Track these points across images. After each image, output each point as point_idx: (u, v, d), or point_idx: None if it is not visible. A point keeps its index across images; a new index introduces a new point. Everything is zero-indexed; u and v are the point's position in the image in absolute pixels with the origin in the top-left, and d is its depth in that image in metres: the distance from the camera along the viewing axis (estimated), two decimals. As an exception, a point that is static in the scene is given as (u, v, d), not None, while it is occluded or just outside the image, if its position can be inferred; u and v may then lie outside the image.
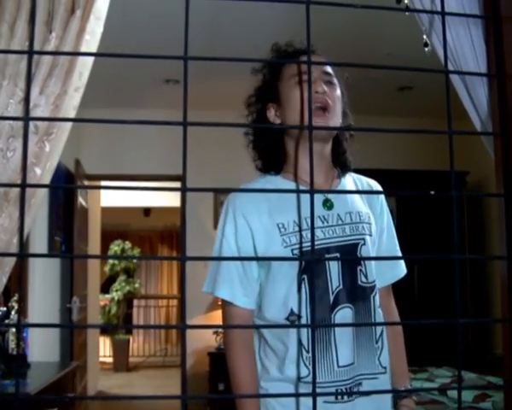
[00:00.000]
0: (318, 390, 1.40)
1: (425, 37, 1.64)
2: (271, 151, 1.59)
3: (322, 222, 1.48)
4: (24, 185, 1.13)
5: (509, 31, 1.34)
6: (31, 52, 1.15)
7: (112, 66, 4.99)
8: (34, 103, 1.33)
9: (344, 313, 1.46)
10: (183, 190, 0.89)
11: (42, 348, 3.96)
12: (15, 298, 2.94)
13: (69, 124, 1.39)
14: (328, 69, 1.55)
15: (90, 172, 5.63)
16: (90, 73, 4.58)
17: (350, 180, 1.63)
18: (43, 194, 1.36)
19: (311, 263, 1.42)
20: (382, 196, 1.65)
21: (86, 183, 5.69)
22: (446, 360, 4.26)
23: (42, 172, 1.32)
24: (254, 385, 1.49)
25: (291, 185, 1.54)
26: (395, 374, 1.59)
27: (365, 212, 1.55)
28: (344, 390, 1.43)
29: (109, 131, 5.78)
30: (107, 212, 8.03)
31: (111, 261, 9.02)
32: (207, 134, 6.00)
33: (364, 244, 1.50)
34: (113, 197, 8.22)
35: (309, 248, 1.44)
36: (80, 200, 5.14)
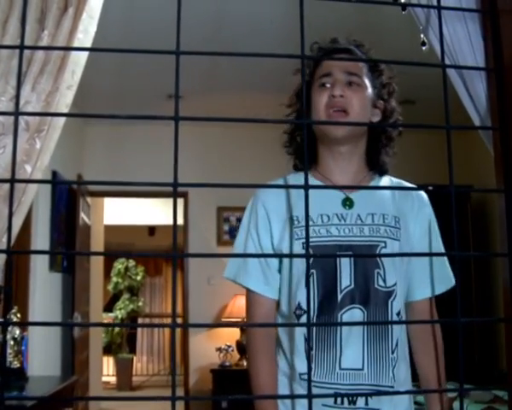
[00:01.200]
0: (316, 390, 1.38)
1: (422, 36, 1.63)
2: (302, 150, 1.60)
3: (339, 220, 1.45)
4: (13, 180, 1.11)
5: (506, 24, 1.32)
6: (22, 47, 1.14)
7: (115, 82, 5.01)
8: (26, 100, 1.31)
9: (352, 314, 1.41)
10: (174, 186, 0.87)
11: (42, 363, 3.92)
12: (14, 310, 2.92)
13: (61, 122, 1.37)
14: (355, 69, 1.50)
15: (94, 188, 5.62)
16: (93, 89, 4.59)
17: (385, 183, 1.58)
18: (33, 193, 1.33)
19: (319, 259, 1.42)
20: (424, 204, 1.55)
21: (89, 200, 5.68)
22: (451, 376, 4.19)
23: (32, 170, 1.30)
24: (273, 378, 1.47)
25: (316, 183, 1.53)
26: (428, 396, 1.50)
27: (392, 215, 1.48)
28: (344, 395, 1.37)
29: (112, 147, 5.79)
30: (111, 230, 8.01)
31: (114, 279, 8.98)
32: (210, 151, 6.01)
33: (385, 247, 1.44)
34: (117, 215, 8.20)
35: (319, 243, 1.43)
36: (82, 215, 5.13)
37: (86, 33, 1.44)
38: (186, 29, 3.89)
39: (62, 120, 1.38)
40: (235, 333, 5.54)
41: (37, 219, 4.13)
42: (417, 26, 1.64)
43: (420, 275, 1.51)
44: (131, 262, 9.46)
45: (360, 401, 1.38)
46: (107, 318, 8.74)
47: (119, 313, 8.84)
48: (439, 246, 1.53)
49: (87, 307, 5.33)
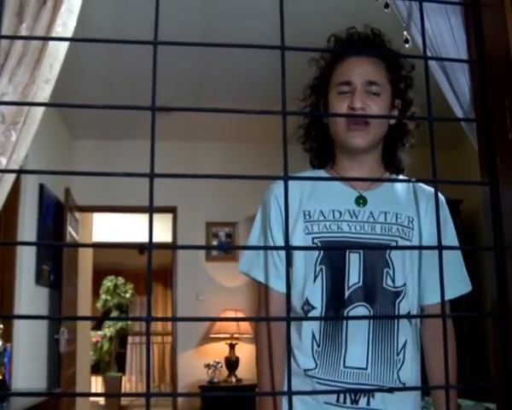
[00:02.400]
0: (319, 387, 1.37)
1: (405, 33, 1.62)
2: (318, 148, 1.60)
3: (351, 217, 1.44)
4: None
5: (487, 17, 1.32)
6: (-3, 36, 1.12)
7: (103, 96, 4.99)
8: (2, 92, 1.29)
9: (358, 312, 1.39)
10: (151, 177, 0.86)
11: (27, 377, 3.84)
12: (-3, 321, 2.87)
13: (38, 115, 1.34)
14: (375, 77, 1.47)
15: (81, 203, 5.58)
16: (81, 103, 4.55)
17: (402, 183, 1.56)
18: (8, 186, 1.30)
19: (329, 254, 1.41)
20: (442, 212, 1.49)
21: (77, 215, 5.64)
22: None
23: (7, 163, 1.27)
24: (280, 376, 1.43)
25: (331, 182, 1.53)
26: (437, 402, 1.45)
27: (406, 215, 1.46)
28: (347, 394, 1.36)
29: (101, 162, 5.75)
30: (100, 250, 7.95)
31: (103, 297, 8.90)
32: (199, 165, 5.98)
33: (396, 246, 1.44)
34: (106, 232, 8.13)
35: (329, 238, 1.42)
36: (70, 230, 5.08)
37: (65, 27, 1.42)
38: (172, 37, 3.89)
39: (39, 113, 1.36)
40: (223, 349, 5.48)
41: (23, 232, 4.08)
42: (401, 24, 1.64)
43: (430, 279, 1.45)
44: (121, 280, 9.39)
45: (362, 401, 1.36)
46: (96, 336, 8.64)
47: (107, 330, 8.76)
48: (452, 252, 1.48)
49: (74, 323, 5.26)
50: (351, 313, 1.39)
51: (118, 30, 3.86)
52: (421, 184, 1.55)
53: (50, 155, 4.88)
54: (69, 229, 5.08)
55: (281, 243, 1.47)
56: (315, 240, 1.42)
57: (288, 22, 0.94)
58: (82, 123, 5.61)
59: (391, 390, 1.40)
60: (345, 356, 1.37)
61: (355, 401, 1.35)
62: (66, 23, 1.41)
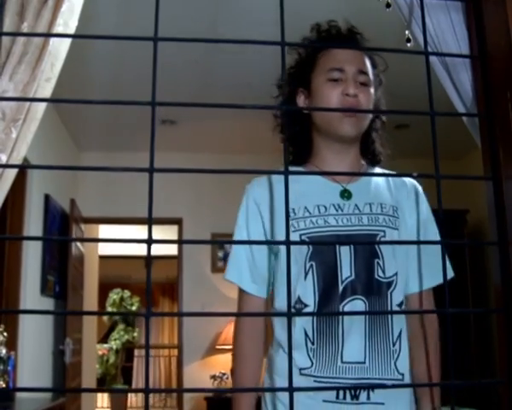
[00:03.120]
0: (317, 385, 1.34)
1: (407, 32, 1.62)
2: (297, 141, 1.56)
3: (337, 210, 1.42)
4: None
5: (489, 12, 1.31)
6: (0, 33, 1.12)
7: (108, 108, 5.01)
8: (3, 90, 1.30)
9: (354, 306, 1.37)
10: (151, 172, 0.85)
11: (32, 385, 3.81)
12: (0, 329, 2.86)
13: (39, 113, 1.34)
14: (365, 67, 1.48)
15: (87, 214, 5.58)
16: (87, 116, 4.58)
17: (375, 173, 1.57)
18: (9, 183, 1.30)
19: (318, 250, 1.39)
20: (419, 195, 1.52)
21: (83, 226, 5.64)
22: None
23: (7, 160, 1.27)
24: (255, 378, 1.44)
25: (313, 177, 1.50)
26: (420, 396, 1.44)
27: (390, 205, 1.47)
28: (347, 390, 1.33)
29: (106, 174, 5.76)
30: (107, 263, 7.93)
31: (109, 309, 8.88)
32: (204, 177, 5.98)
33: (384, 237, 1.42)
34: (112, 245, 8.14)
35: (317, 234, 1.40)
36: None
37: (66, 26, 1.42)
38: (175, 49, 3.92)
39: (40, 111, 1.36)
40: (229, 361, 5.45)
41: (28, 241, 4.09)
42: (402, 23, 1.64)
43: (413, 268, 1.47)
44: (127, 293, 9.38)
45: (362, 396, 1.33)
46: (102, 349, 8.62)
47: (113, 343, 8.73)
48: (436, 238, 1.50)
49: (79, 335, 5.25)
50: (347, 307, 1.36)
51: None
52: (402, 178, 1.55)
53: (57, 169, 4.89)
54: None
55: (262, 245, 1.47)
56: (302, 236, 1.40)
57: (288, 22, 0.94)
58: (88, 135, 5.64)
59: (395, 387, 1.38)
60: (342, 351, 1.34)
61: (355, 397, 1.33)
62: (68, 22, 1.42)
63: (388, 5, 1.62)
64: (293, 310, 1.40)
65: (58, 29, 1.39)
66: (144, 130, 5.37)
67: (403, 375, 1.38)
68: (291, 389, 0.85)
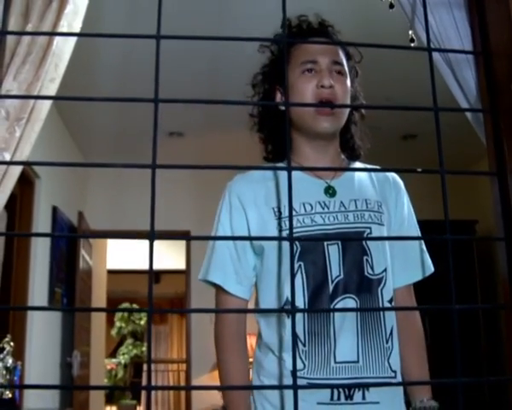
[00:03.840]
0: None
1: (410, 32, 1.62)
2: (275, 139, 1.54)
3: (323, 208, 1.39)
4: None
5: (491, 8, 1.31)
6: (3, 33, 1.13)
7: (116, 121, 5.04)
8: (7, 89, 1.30)
9: (345, 304, 1.34)
10: (153, 168, 0.86)
11: (39, 397, 3.78)
12: (7, 339, 2.85)
13: (42, 114, 1.35)
14: (339, 58, 1.46)
15: (95, 227, 5.59)
16: (95, 128, 4.60)
17: (360, 168, 1.54)
18: (13, 182, 1.30)
19: (306, 249, 1.36)
20: (401, 189, 1.52)
21: (91, 240, 5.65)
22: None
23: (11, 159, 1.27)
24: (244, 380, 1.40)
25: (295, 174, 1.45)
26: (411, 388, 1.43)
27: (375, 200, 1.44)
28: (341, 390, 1.30)
29: (114, 187, 5.79)
30: (115, 278, 7.92)
31: (118, 324, 8.87)
32: (211, 191, 5.96)
33: (371, 233, 1.39)
34: (120, 259, 8.15)
35: (305, 233, 1.37)
36: (83, 253, 5.09)
37: (70, 28, 1.43)
38: (182, 63, 3.94)
39: (44, 111, 1.36)
40: (238, 373, 5.41)
41: (35, 253, 4.09)
42: (406, 24, 1.64)
43: (398, 262, 1.46)
44: (135, 306, 9.36)
45: (357, 396, 1.30)
46: (110, 363, 8.59)
47: (122, 358, 8.70)
48: (416, 233, 1.51)
49: (88, 348, 5.23)
50: (337, 306, 1.34)
51: (127, 57, 3.90)
52: (376, 167, 1.52)
53: (63, 178, 4.92)
54: (82, 252, 5.09)
55: (246, 243, 1.42)
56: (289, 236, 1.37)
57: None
58: (95, 148, 5.67)
59: (385, 385, 1.37)
60: (335, 352, 1.31)
61: (349, 397, 1.30)
62: (72, 24, 1.43)
63: (391, 6, 1.63)
64: (280, 313, 1.38)
65: (62, 30, 1.40)
66: (150, 140, 5.37)
67: (395, 372, 1.36)
68: (295, 387, 0.85)
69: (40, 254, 4.21)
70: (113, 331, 8.95)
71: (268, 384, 1.38)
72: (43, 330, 4.18)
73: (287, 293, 1.35)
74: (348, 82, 1.47)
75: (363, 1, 2.24)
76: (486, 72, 1.30)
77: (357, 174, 1.49)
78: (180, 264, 8.64)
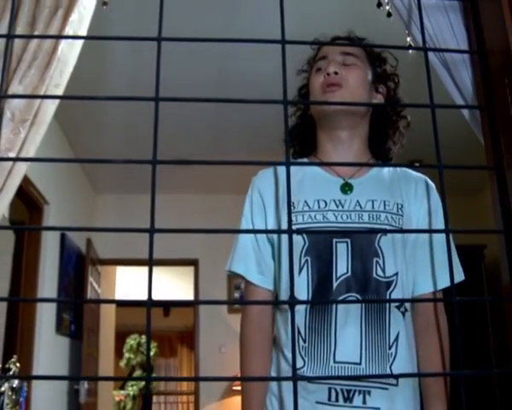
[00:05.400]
0: (309, 386, 1.29)
1: (408, 39, 1.65)
2: (302, 137, 1.59)
3: (337, 206, 1.39)
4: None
5: (485, 9, 1.34)
6: (9, 36, 1.17)
7: (123, 148, 5.09)
8: (13, 92, 1.34)
9: (348, 304, 1.32)
10: (153, 162, 0.88)
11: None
12: (14, 359, 2.85)
13: (47, 117, 1.38)
14: (349, 49, 1.49)
15: (103, 255, 5.62)
16: (103, 156, 4.64)
17: (386, 170, 1.50)
18: (19, 179, 1.33)
19: (314, 245, 1.36)
20: (428, 193, 1.45)
21: (99, 268, 5.67)
22: None
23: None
24: (264, 372, 1.38)
25: (316, 170, 1.47)
26: (425, 394, 1.36)
27: (394, 202, 1.40)
28: (339, 392, 1.27)
29: (122, 215, 5.81)
30: (124, 311, 7.89)
31: (127, 355, 8.81)
32: (219, 217, 5.99)
33: (385, 235, 1.36)
34: (129, 287, 8.13)
35: (314, 229, 1.37)
36: (91, 280, 5.09)
37: (75, 39, 1.48)
38: (190, 87, 4.00)
39: (49, 115, 1.40)
40: (247, 402, 5.35)
41: (43, 280, 4.11)
42: (404, 31, 1.67)
43: (422, 267, 1.40)
44: (144, 338, 9.30)
45: (357, 399, 1.27)
46: (119, 395, 8.52)
47: (130, 389, 8.62)
48: (442, 239, 1.39)
49: (95, 375, 5.20)
50: (340, 305, 1.31)
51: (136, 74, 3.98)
52: (407, 170, 1.52)
53: (73, 207, 4.96)
54: (91, 280, 5.10)
55: (263, 236, 1.44)
56: (300, 230, 1.37)
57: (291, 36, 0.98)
58: (104, 178, 5.72)
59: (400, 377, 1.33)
60: (335, 351, 1.29)
61: (348, 399, 1.27)
62: (77, 32, 1.47)
63: (389, 14, 1.66)
64: (287, 306, 1.38)
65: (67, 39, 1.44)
66: (161, 172, 5.39)
67: (397, 380, 1.30)
68: (295, 379, 0.85)
69: (48, 279, 4.23)
70: (122, 363, 8.90)
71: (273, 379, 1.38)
72: (50, 354, 4.17)
73: (295, 287, 1.34)
74: (364, 73, 1.48)
75: (363, 10, 2.29)
76: (482, 70, 1.32)
77: (380, 175, 1.48)
78: (188, 295, 8.63)
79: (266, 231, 1.46)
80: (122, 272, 7.26)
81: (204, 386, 5.67)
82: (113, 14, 2.08)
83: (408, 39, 1.65)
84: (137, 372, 8.92)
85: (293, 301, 0.93)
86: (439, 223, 1.42)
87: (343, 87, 1.43)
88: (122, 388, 8.81)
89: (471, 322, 4.89)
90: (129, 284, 8.17)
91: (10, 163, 1.29)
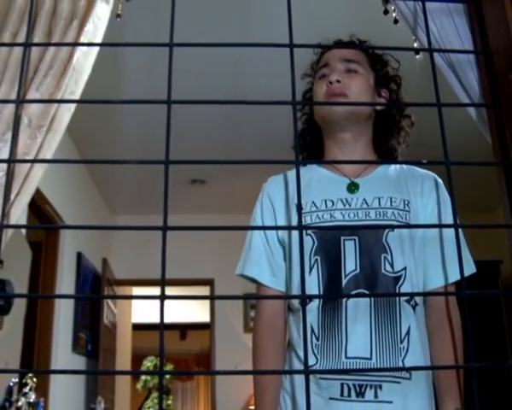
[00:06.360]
0: (321, 382, 1.30)
1: (415, 45, 1.67)
2: (309, 142, 1.62)
3: (344, 205, 1.41)
4: (10, 161, 1.15)
5: (488, 10, 1.37)
6: (26, 44, 1.22)
7: (140, 169, 5.14)
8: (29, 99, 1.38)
9: (358, 300, 1.33)
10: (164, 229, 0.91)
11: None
12: (30, 375, 2.87)
13: (63, 124, 1.42)
14: (351, 56, 1.52)
15: (118, 274, 5.66)
16: (119, 177, 4.70)
17: (393, 167, 1.53)
18: (35, 183, 1.37)
19: (323, 244, 1.38)
20: (435, 188, 1.46)
21: (115, 288, 5.70)
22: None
23: (32, 164, 1.34)
24: (276, 379, 1.39)
25: (323, 172, 1.51)
26: (439, 388, 1.35)
27: (401, 198, 1.42)
28: (351, 387, 1.28)
29: (138, 235, 5.86)
30: (141, 335, 7.90)
31: (143, 378, 8.79)
32: (235, 237, 6.01)
33: (392, 231, 1.37)
34: (145, 310, 8.16)
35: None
36: (108, 301, 5.12)
37: (90, 47, 1.52)
38: (205, 106, 4.05)
39: (65, 122, 1.44)
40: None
41: (60, 299, 4.15)
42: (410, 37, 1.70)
43: (433, 261, 1.41)
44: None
45: (369, 394, 1.27)
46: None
47: (148, 411, 8.60)
48: (451, 233, 1.45)
49: (112, 395, 5.21)
50: (350, 301, 1.32)
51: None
52: (414, 167, 1.53)
53: (88, 224, 5.02)
54: (107, 300, 5.13)
55: (275, 240, 1.46)
56: (308, 231, 1.39)
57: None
58: (120, 199, 5.78)
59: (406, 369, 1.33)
60: (346, 347, 1.30)
61: (361, 394, 1.27)
62: (92, 41, 1.52)
63: (396, 21, 1.69)
64: (299, 306, 1.39)
65: (82, 48, 1.49)
66: (176, 192, 5.48)
67: (410, 374, 1.31)
68: (306, 372, 0.86)
69: (64, 300, 4.26)
70: (139, 385, 8.88)
71: (288, 379, 1.38)
72: (65, 376, 4.18)
73: (307, 286, 1.35)
74: (367, 80, 1.52)
75: (370, 17, 2.32)
76: (487, 68, 1.34)
77: (386, 174, 1.50)
78: (204, 316, 8.62)
79: (276, 228, 1.49)
80: (138, 293, 7.28)
81: (220, 404, 5.65)
82: (126, 27, 2.13)
83: (415, 45, 1.68)
84: (154, 394, 8.90)
85: (304, 296, 0.95)
86: (448, 217, 1.42)
87: (347, 96, 1.46)
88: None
89: (487, 319, 4.96)
90: (144, 306, 8.20)
91: (27, 167, 1.33)
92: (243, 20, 3.18)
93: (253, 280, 1.48)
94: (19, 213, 1.33)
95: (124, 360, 6.42)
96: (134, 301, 7.41)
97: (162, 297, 0.83)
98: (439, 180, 1.49)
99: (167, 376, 9.14)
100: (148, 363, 9.11)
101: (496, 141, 1.32)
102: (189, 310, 9.33)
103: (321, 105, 1.50)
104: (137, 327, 7.86)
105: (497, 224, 5.28)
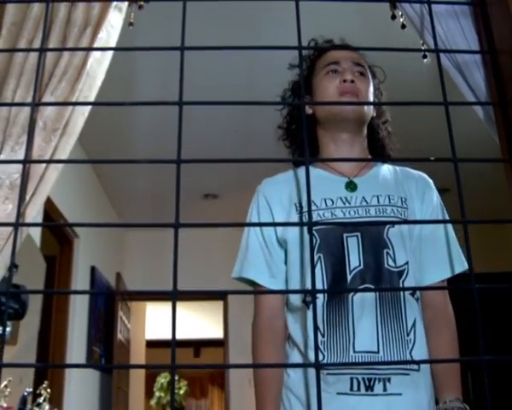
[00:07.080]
0: (329, 378, 1.31)
1: (423, 47, 1.69)
2: (302, 144, 1.61)
3: (344, 203, 1.43)
4: (25, 161, 1.18)
5: (494, 12, 1.39)
6: (41, 50, 1.26)
7: (152, 184, 5.19)
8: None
9: (364, 295, 1.34)
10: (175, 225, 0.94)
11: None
12: (45, 385, 2.89)
13: (77, 128, 1.45)
14: (361, 61, 1.56)
15: (132, 288, 5.68)
16: (131, 192, 4.74)
17: (387, 169, 1.56)
18: (49, 187, 1.39)
19: (325, 241, 1.39)
20: (429, 186, 1.52)
21: (129, 303, 5.73)
22: None
23: (47, 166, 1.37)
24: (272, 374, 1.39)
25: (319, 172, 1.52)
26: (438, 381, 1.37)
27: (398, 196, 1.46)
28: (360, 381, 1.29)
29: (151, 251, 5.90)
30: (154, 352, 7.89)
31: (157, 394, 8.77)
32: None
33: (393, 227, 1.40)
34: (158, 325, 8.17)
35: (323, 226, 1.39)
36: (121, 314, 5.15)
37: (103, 54, 1.56)
38: (215, 118, 4.09)
39: (79, 126, 1.47)
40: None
41: (74, 312, 4.18)
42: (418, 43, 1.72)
43: (428, 258, 1.45)
44: (176, 377, 9.27)
45: (378, 387, 1.28)
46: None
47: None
48: (447, 230, 1.48)
49: (125, 408, 5.20)
50: (356, 297, 1.33)
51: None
52: (407, 169, 1.56)
53: (101, 238, 5.06)
54: (120, 314, 5.15)
55: (272, 239, 1.46)
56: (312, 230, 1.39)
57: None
58: (133, 215, 5.83)
59: (409, 363, 1.33)
60: (354, 341, 1.31)
61: (370, 388, 1.28)
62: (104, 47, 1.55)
63: (403, 26, 1.71)
64: (302, 304, 1.39)
65: (95, 54, 1.52)
66: (189, 206, 5.52)
67: (419, 365, 1.33)
68: (317, 366, 0.88)
69: (79, 313, 4.29)
70: (153, 401, 8.86)
71: (293, 375, 1.38)
72: (80, 385, 4.20)
73: (307, 285, 1.38)
74: (371, 85, 1.55)
75: (377, 22, 2.35)
76: (493, 68, 1.36)
77: (382, 173, 1.53)
78: (217, 333, 8.61)
79: (286, 224, 1.50)
80: (151, 309, 7.31)
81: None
82: (138, 36, 2.17)
83: (422, 47, 1.70)
84: (168, 411, 8.87)
85: (314, 291, 0.96)
86: (442, 215, 1.50)
87: (359, 97, 1.49)
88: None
89: (499, 317, 5.00)
90: (158, 322, 8.20)
91: (42, 169, 1.36)
92: (254, 34, 3.22)
93: (252, 282, 1.47)
94: (34, 214, 1.36)
95: (138, 377, 6.42)
96: (148, 317, 7.43)
97: (174, 292, 0.85)
98: (431, 180, 1.55)
99: (181, 392, 9.13)
100: (162, 379, 9.10)
101: (503, 139, 1.33)
102: (202, 326, 9.31)
103: (325, 105, 1.52)
104: (151, 344, 7.86)
105: (507, 219, 5.27)
